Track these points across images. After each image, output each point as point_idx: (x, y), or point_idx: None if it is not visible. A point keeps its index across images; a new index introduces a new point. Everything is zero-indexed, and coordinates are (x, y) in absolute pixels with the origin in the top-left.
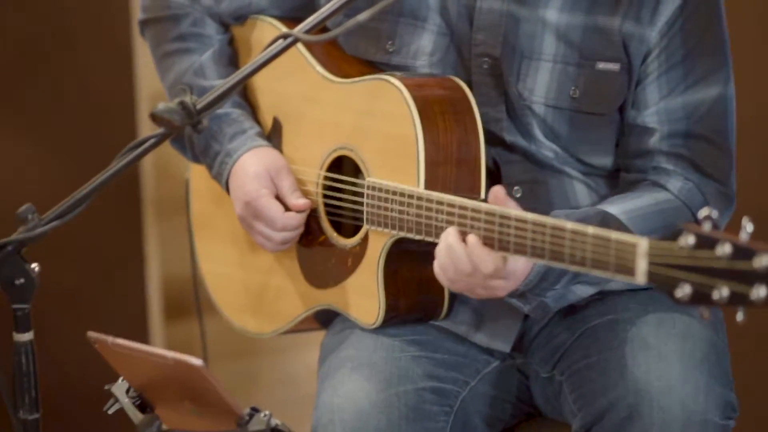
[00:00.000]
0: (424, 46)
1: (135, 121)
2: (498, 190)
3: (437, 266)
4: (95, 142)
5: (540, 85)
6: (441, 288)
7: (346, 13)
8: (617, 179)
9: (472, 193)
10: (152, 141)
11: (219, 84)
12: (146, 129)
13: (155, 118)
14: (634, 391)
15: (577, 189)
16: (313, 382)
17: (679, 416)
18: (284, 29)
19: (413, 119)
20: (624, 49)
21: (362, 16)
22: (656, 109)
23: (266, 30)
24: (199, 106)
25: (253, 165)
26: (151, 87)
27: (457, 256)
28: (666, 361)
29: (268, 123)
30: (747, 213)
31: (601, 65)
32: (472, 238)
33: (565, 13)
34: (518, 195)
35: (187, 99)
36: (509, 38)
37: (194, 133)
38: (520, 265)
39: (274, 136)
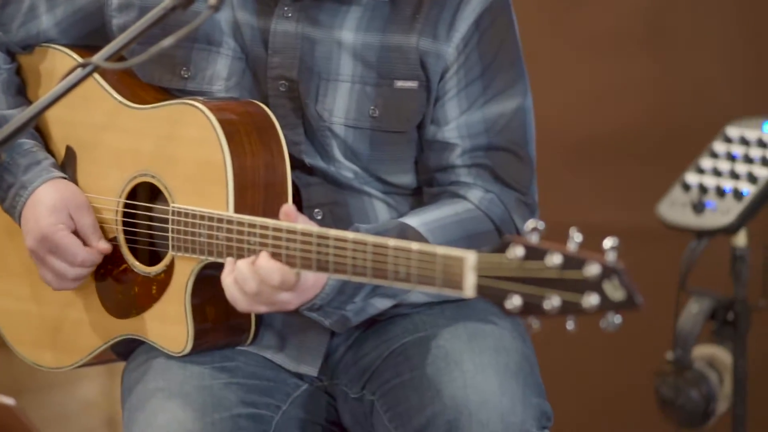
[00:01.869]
0: (220, 71)
1: None
2: (288, 208)
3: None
4: None
5: (339, 105)
6: (246, 313)
7: (141, 41)
8: (418, 197)
9: (280, 215)
10: None
11: (10, 114)
12: None
13: None
14: (452, 406)
15: (377, 208)
16: (87, 417)
17: (499, 428)
18: (75, 56)
19: (221, 143)
20: (421, 66)
21: (166, 42)
22: (456, 125)
23: (57, 58)
24: None
25: (50, 198)
26: None
27: (242, 276)
28: (482, 374)
29: (61, 152)
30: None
31: (399, 83)
32: (261, 254)
33: (361, 34)
34: (319, 217)
35: None
36: (305, 60)
37: None
38: (311, 278)
39: (68, 165)
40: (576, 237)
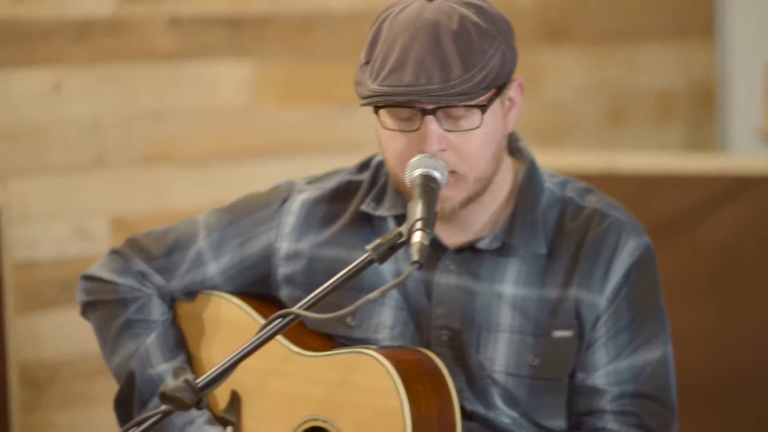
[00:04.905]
0: (385, 320)
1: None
2: None
3: None
4: None
5: (500, 354)
6: None
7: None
8: None
9: None
10: (155, 418)
11: (164, 369)
12: (16, 402)
13: (165, 396)
14: None
15: None
16: None
17: None
18: (239, 303)
19: (398, 391)
20: (576, 316)
21: (373, 295)
22: (605, 372)
23: (222, 305)
24: (200, 385)
25: None
26: (20, 357)
27: None
28: None
29: (225, 398)
30: None
31: (557, 333)
32: None
33: (520, 287)
34: None
35: (189, 377)
36: (466, 311)
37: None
38: None
39: (232, 410)
40: None
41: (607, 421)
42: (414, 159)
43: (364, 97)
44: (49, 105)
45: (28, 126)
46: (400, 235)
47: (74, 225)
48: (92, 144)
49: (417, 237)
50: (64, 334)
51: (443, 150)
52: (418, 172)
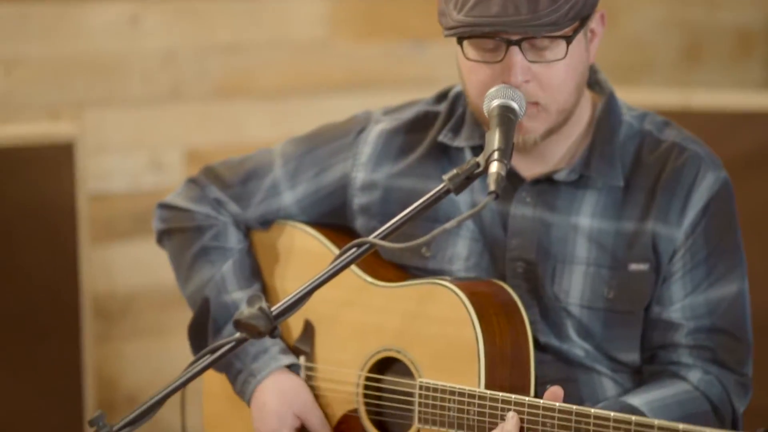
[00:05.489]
0: (460, 251)
1: (80, 323)
2: (557, 389)
3: None
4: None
5: (575, 287)
6: None
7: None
8: (640, 374)
9: (524, 392)
10: (229, 345)
11: (240, 297)
12: (88, 333)
13: (240, 324)
14: None
15: (605, 385)
16: None
17: None
18: (314, 233)
19: (473, 322)
20: (653, 249)
21: (449, 225)
22: (681, 306)
23: (296, 235)
24: (274, 313)
25: (274, 401)
26: (93, 288)
27: None
28: None
29: (299, 327)
30: None
31: (633, 266)
32: None
33: (597, 219)
34: None
35: (264, 305)
36: (542, 243)
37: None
38: None
39: (305, 339)
40: None
41: (682, 355)
42: (492, 90)
43: (448, 28)
44: (126, 37)
45: (105, 58)
46: (477, 165)
47: (149, 157)
48: (168, 77)
49: (494, 167)
50: (138, 266)
51: (527, 81)
52: (496, 102)
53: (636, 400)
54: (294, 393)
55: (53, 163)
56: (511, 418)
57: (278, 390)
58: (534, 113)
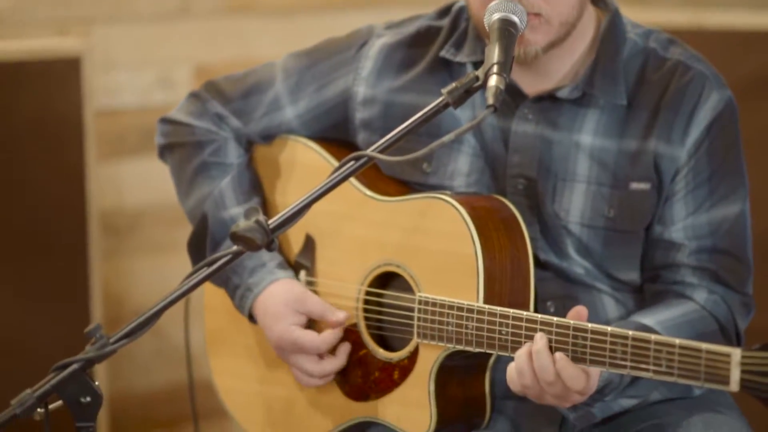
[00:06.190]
0: (461, 167)
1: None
2: (581, 308)
3: (514, 370)
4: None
5: (575, 205)
6: (483, 397)
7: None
8: (640, 294)
9: (523, 307)
10: (226, 258)
11: (236, 213)
12: (96, 249)
13: (236, 237)
14: None
15: (606, 303)
16: None
17: None
18: (316, 147)
19: (472, 237)
20: (655, 168)
21: (447, 138)
22: (683, 225)
23: (298, 149)
24: (271, 226)
25: (273, 305)
26: (101, 204)
27: (542, 365)
28: None
29: (300, 240)
30: None
31: (634, 185)
32: (560, 355)
33: (599, 137)
34: (552, 310)
35: (261, 218)
36: (543, 160)
37: None
38: (595, 379)
39: (306, 254)
40: None
41: (685, 274)
42: (493, 3)
43: None
44: None
45: None
46: (476, 78)
47: (158, 73)
48: None
49: (493, 81)
50: (147, 182)
51: None
52: (496, 16)
53: (648, 319)
54: (293, 294)
55: (61, 78)
56: (540, 339)
57: (276, 293)
58: (536, 25)
